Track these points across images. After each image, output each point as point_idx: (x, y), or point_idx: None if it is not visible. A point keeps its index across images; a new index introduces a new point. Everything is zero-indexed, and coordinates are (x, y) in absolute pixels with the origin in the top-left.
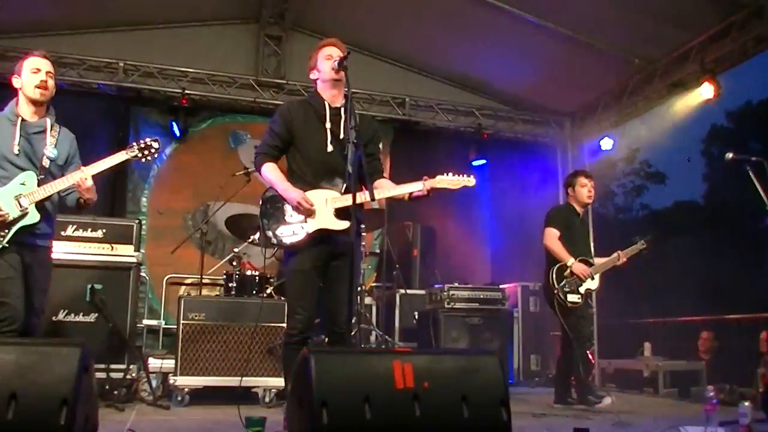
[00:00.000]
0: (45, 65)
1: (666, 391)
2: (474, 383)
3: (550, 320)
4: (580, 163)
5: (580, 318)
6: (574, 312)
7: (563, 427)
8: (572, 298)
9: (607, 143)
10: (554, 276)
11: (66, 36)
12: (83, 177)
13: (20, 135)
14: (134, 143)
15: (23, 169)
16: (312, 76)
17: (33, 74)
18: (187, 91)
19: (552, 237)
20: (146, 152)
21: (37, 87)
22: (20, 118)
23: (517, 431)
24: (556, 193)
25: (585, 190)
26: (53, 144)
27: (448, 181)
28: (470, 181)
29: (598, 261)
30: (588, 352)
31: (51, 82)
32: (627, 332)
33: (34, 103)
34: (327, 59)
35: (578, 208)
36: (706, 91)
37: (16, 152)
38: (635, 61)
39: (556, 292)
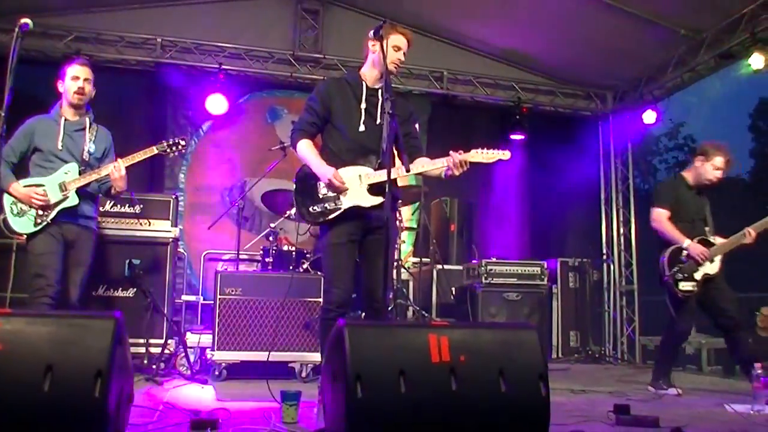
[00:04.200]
0: (83, 73)
1: (710, 369)
2: (512, 357)
3: (590, 297)
4: (622, 137)
5: (690, 311)
6: (687, 302)
7: (603, 403)
8: (685, 286)
9: (650, 116)
10: (667, 260)
11: (104, 13)
12: (117, 167)
13: (64, 132)
14: (164, 141)
15: (66, 162)
16: (371, 52)
17: (73, 81)
18: (224, 67)
19: (660, 218)
20: (174, 148)
21: (76, 93)
22: (63, 118)
23: (556, 407)
24: (596, 167)
25: (718, 173)
26: (92, 140)
27: (482, 155)
28: (504, 154)
29: (719, 241)
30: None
31: (88, 88)
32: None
33: (74, 105)
34: (395, 50)
35: (691, 182)
36: (756, 62)
37: (60, 147)
38: (681, 31)
39: (666, 279)
